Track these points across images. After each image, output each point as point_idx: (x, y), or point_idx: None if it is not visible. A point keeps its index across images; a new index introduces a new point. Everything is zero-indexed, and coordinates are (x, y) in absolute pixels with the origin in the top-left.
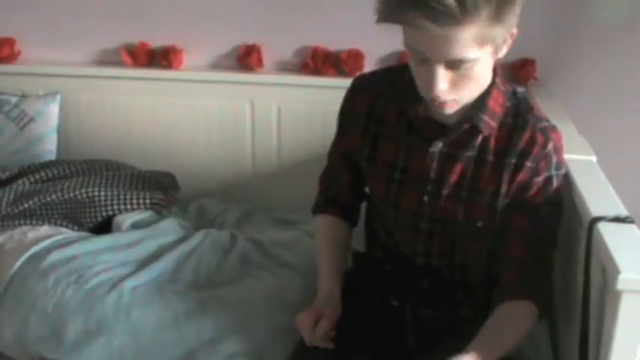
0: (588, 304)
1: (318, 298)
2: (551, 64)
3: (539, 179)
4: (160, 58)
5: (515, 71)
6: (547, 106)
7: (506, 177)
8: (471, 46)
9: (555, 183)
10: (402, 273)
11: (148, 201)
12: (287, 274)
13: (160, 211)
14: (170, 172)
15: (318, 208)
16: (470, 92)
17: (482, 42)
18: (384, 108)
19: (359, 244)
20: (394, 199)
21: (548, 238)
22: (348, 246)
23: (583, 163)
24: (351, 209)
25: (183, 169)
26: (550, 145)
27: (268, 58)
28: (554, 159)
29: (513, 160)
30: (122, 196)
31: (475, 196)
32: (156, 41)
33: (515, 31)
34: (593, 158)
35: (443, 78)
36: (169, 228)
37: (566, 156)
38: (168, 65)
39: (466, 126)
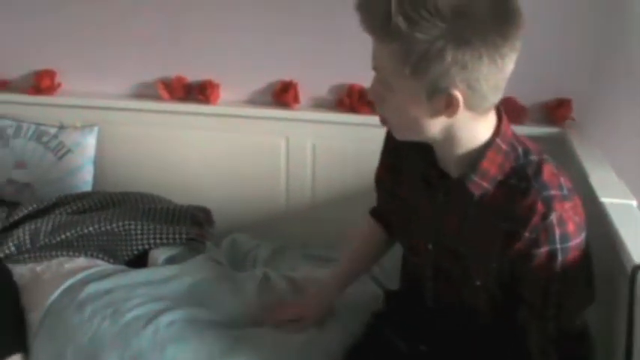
0: (632, 354)
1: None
2: (587, 104)
3: (541, 251)
4: (197, 92)
5: (550, 111)
6: (584, 149)
7: (501, 241)
8: (384, 66)
9: (561, 257)
10: (427, 315)
11: (184, 236)
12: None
13: (195, 246)
14: (205, 207)
15: (371, 210)
16: (393, 121)
17: (398, 75)
18: (409, 148)
19: (393, 282)
20: (408, 238)
21: (566, 314)
22: (379, 254)
23: (623, 208)
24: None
25: (217, 204)
26: (553, 217)
27: (304, 94)
28: (558, 231)
29: (510, 226)
30: (158, 230)
31: (471, 254)
32: (192, 75)
33: (457, 96)
34: (634, 202)
35: (373, 81)
36: (204, 264)
37: (605, 200)
38: (205, 99)
39: (458, 182)
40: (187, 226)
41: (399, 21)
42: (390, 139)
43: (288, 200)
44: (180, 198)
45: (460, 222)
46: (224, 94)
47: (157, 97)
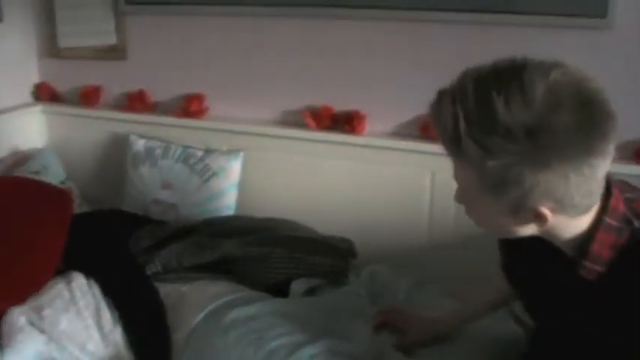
0: None
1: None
2: None
3: None
4: (343, 122)
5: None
6: None
7: (615, 327)
8: (462, 182)
9: None
10: None
11: (327, 268)
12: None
13: (338, 279)
14: (349, 239)
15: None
16: (481, 225)
17: (477, 192)
18: None
19: None
20: (525, 307)
21: None
22: (505, 301)
23: None
24: None
25: (358, 233)
26: None
27: None
28: None
29: (626, 309)
30: (301, 260)
31: (578, 339)
32: (340, 105)
33: (544, 212)
34: None
35: (457, 188)
36: (346, 299)
37: None
38: (351, 130)
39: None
40: (330, 257)
41: (469, 146)
42: None
43: (431, 234)
44: (321, 226)
45: (569, 305)
46: (370, 125)
47: (303, 126)
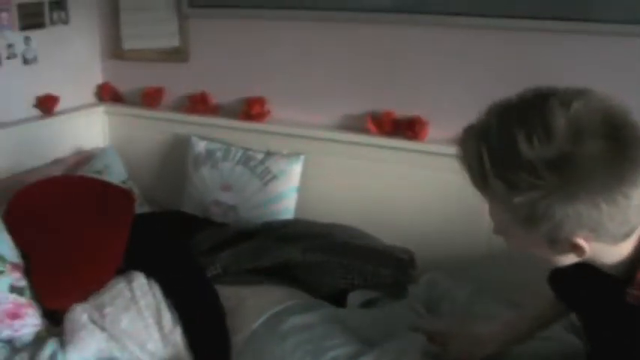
0: None
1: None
2: None
3: None
4: (405, 128)
5: None
6: None
7: None
8: (495, 216)
9: None
10: None
11: (387, 279)
12: None
13: (397, 291)
14: (409, 250)
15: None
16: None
17: (511, 225)
18: None
19: None
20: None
21: None
22: (557, 318)
23: None
24: None
25: (417, 240)
26: None
27: None
28: None
29: None
30: (361, 270)
31: None
32: (402, 111)
33: (580, 243)
34: None
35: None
36: (404, 314)
37: None
38: (413, 136)
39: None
40: (391, 268)
41: (495, 183)
42: None
43: (490, 242)
44: (379, 232)
45: (620, 328)
46: (432, 131)
47: (364, 130)
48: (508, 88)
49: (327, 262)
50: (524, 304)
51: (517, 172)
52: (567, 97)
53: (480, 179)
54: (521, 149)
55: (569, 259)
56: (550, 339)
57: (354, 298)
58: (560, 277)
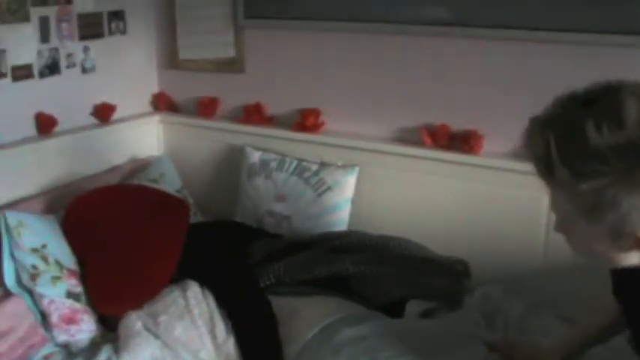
0: None
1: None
2: None
3: None
4: (460, 141)
5: None
6: None
7: None
8: (559, 209)
9: None
10: None
11: (442, 290)
12: None
13: (453, 301)
14: (464, 260)
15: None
16: (583, 255)
17: (574, 218)
18: None
19: None
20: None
21: None
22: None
23: None
24: None
25: (471, 253)
26: None
27: None
28: None
29: None
30: (416, 281)
31: None
32: (457, 124)
33: None
34: None
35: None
36: (461, 323)
37: None
38: (469, 150)
39: None
40: (445, 279)
41: (562, 170)
42: None
43: (546, 257)
44: (433, 245)
45: None
46: (488, 145)
47: (419, 143)
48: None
49: (382, 273)
50: (579, 319)
51: (585, 159)
52: (637, 86)
53: (545, 167)
54: (590, 137)
55: (633, 258)
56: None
57: (413, 307)
58: (619, 282)
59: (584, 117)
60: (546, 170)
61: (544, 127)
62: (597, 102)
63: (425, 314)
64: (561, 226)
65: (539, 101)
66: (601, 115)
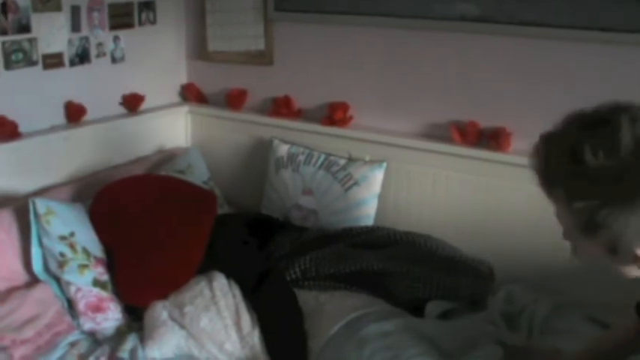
0: None
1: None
2: None
3: None
4: (489, 138)
5: None
6: None
7: None
8: (560, 220)
9: None
10: None
11: (466, 291)
12: None
13: (475, 302)
14: (489, 262)
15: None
16: (588, 264)
17: (574, 231)
18: None
19: None
20: None
21: None
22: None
23: None
24: None
25: (496, 252)
26: None
27: None
28: None
29: None
30: (440, 280)
31: None
32: (486, 122)
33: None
34: None
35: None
36: (482, 325)
37: None
38: (497, 147)
39: None
40: (470, 280)
41: (557, 187)
42: None
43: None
44: (459, 242)
45: None
46: (517, 143)
47: (448, 140)
48: (594, 100)
49: (407, 271)
50: (607, 319)
51: (579, 179)
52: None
53: (545, 182)
54: (586, 159)
55: (636, 271)
56: None
57: (432, 308)
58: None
59: (583, 139)
60: (546, 185)
61: (547, 144)
62: (599, 125)
63: (444, 315)
64: (567, 236)
65: (567, 100)
66: (599, 139)
